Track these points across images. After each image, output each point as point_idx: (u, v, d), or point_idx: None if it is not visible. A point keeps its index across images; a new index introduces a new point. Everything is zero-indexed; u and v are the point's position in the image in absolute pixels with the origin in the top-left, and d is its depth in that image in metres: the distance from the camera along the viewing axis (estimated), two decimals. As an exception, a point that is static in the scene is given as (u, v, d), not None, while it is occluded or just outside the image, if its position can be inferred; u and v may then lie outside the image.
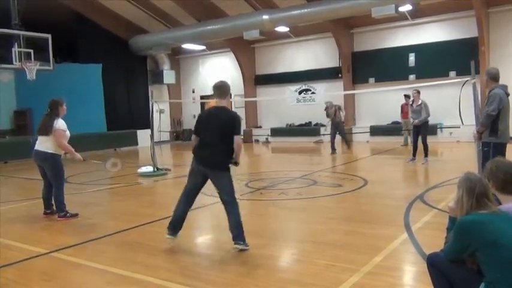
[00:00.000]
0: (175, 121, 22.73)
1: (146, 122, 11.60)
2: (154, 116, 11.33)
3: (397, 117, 15.71)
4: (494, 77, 5.82)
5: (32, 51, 12.89)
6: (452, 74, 14.95)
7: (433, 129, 15.61)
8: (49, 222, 6.22)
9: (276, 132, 19.36)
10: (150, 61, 21.20)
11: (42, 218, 6.42)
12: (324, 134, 18.02)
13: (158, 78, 20.90)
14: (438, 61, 15.50)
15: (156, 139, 11.61)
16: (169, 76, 21.01)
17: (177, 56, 22.21)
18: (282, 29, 16.74)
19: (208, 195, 7.73)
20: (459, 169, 8.06)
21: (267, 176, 9.69)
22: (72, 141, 6.43)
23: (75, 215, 6.34)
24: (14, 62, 12.70)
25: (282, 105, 19.83)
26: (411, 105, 10.69)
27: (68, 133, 6.27)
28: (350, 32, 17.67)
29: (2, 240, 5.31)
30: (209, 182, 4.85)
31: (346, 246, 4.58)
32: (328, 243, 4.71)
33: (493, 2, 14.54)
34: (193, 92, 22.54)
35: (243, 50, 19.87)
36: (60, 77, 14.74)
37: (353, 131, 17.57)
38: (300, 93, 19.26)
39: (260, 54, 20.45)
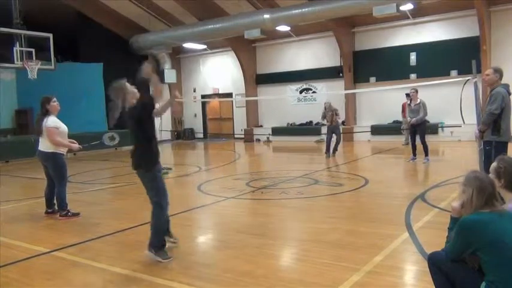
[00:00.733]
0: (176, 120, 22.74)
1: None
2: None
3: (398, 116, 15.71)
4: (501, 76, 5.83)
5: (33, 50, 12.93)
6: (453, 73, 14.93)
7: (434, 129, 15.65)
8: (50, 222, 6.24)
9: (277, 131, 19.35)
10: (151, 60, 21.17)
11: (43, 217, 6.44)
12: (325, 134, 18.00)
13: (159, 77, 20.85)
14: (439, 60, 15.48)
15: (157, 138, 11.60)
16: (170, 75, 21.01)
17: (178, 55, 22.21)
18: (283, 28, 16.72)
19: (209, 194, 7.76)
20: (460, 168, 8.08)
21: (267, 175, 9.69)
22: (73, 139, 6.45)
23: (77, 214, 6.35)
24: (16, 61, 12.73)
25: (283, 104, 19.82)
26: (409, 104, 10.68)
27: (62, 129, 6.23)
28: (351, 31, 17.65)
29: (3, 239, 5.32)
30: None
31: (347, 245, 4.58)
32: (329, 242, 4.72)
33: (494, 1, 14.51)
34: (194, 91, 22.55)
35: (244, 49, 19.86)
36: (61, 76, 14.77)
37: (354, 130, 17.56)
38: (301, 92, 19.25)
39: (261, 54, 20.44)
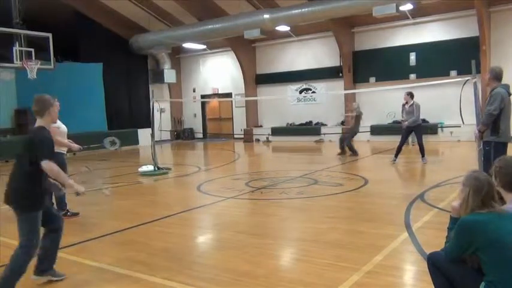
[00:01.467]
0: (176, 120, 22.74)
1: (147, 121, 11.62)
2: (154, 115, 11.34)
3: (398, 116, 15.70)
4: (497, 76, 5.81)
5: (33, 50, 12.91)
6: (453, 73, 14.93)
7: (433, 129, 15.67)
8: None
9: (276, 131, 19.35)
10: (151, 60, 21.20)
11: (43, 217, 6.43)
12: (324, 134, 18.03)
13: (159, 77, 20.91)
14: (439, 60, 15.49)
15: (156, 138, 11.62)
16: (170, 75, 21.01)
17: (177, 55, 22.20)
18: (283, 28, 16.72)
19: (208, 194, 7.76)
20: (460, 168, 8.09)
21: (267, 176, 9.69)
22: (72, 140, 6.44)
23: (76, 214, 6.36)
24: (15, 61, 12.71)
25: (282, 104, 19.82)
26: (404, 106, 10.67)
27: (62, 129, 6.25)
28: (351, 31, 17.65)
29: (3, 239, 5.32)
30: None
31: (347, 245, 4.58)
32: (328, 242, 4.72)
33: (494, 1, 14.51)
34: (194, 91, 22.55)
35: (243, 49, 19.86)
36: (61, 76, 14.75)
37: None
38: (300, 92, 19.25)
39: (261, 54, 20.44)
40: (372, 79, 17.27)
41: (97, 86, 17.49)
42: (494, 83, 5.81)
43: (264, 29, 16.26)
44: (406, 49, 16.51)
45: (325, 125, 18.52)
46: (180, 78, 22.49)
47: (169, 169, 11.06)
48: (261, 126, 20.45)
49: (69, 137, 6.47)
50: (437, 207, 5.96)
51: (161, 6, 18.44)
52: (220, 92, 21.66)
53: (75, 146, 6.42)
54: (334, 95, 18.06)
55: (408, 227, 5.11)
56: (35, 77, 12.86)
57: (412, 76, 16.21)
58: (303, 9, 15.08)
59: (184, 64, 22.82)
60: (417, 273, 3.80)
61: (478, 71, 12.00)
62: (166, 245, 4.87)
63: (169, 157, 15.80)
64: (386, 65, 16.71)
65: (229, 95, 21.21)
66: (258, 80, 20.42)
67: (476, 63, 6.97)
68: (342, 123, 18.04)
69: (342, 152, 12.89)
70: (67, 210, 6.31)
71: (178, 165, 12.76)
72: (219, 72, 21.66)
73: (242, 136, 20.05)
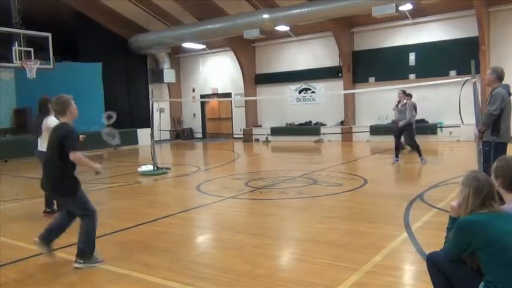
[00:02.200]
0: (176, 120, 22.74)
1: (146, 121, 11.61)
2: (154, 114, 11.34)
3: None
4: (499, 76, 5.83)
5: (32, 49, 12.90)
6: (452, 73, 14.94)
7: (433, 129, 15.69)
8: (50, 221, 6.21)
9: (276, 131, 19.36)
10: (150, 60, 21.20)
11: (42, 216, 6.43)
12: (324, 134, 18.04)
13: (158, 77, 20.90)
14: (438, 60, 15.50)
15: (156, 138, 11.62)
16: (169, 75, 21.01)
17: (177, 54, 22.20)
18: (282, 28, 16.73)
19: (208, 194, 7.76)
20: (459, 169, 8.09)
21: (267, 175, 9.70)
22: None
23: (76, 214, 6.34)
24: (14, 61, 12.71)
25: (282, 104, 19.83)
26: (396, 105, 10.63)
27: None
28: (350, 31, 17.65)
29: (2, 239, 5.32)
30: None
31: (346, 245, 4.59)
32: (328, 242, 4.72)
33: (493, 1, 14.52)
34: (194, 91, 22.54)
35: (243, 49, 19.85)
36: (60, 75, 14.74)
37: (353, 130, 17.58)
38: (300, 92, 19.25)
39: (260, 53, 20.44)
40: (372, 79, 17.28)
41: (96, 86, 17.46)
42: (496, 83, 5.81)
43: (263, 29, 16.27)
44: (406, 49, 16.52)
45: (325, 125, 18.53)
46: (179, 78, 22.49)
47: (169, 169, 11.06)
48: (260, 126, 20.45)
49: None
50: (437, 207, 5.96)
51: (161, 6, 18.42)
52: (219, 91, 21.66)
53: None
54: (334, 95, 18.08)
55: (408, 227, 5.12)
56: (34, 76, 12.85)
57: (412, 76, 16.22)
58: (302, 9, 15.08)
59: (183, 64, 22.81)
60: (416, 273, 3.81)
61: (478, 71, 12.02)
62: (166, 245, 4.87)
63: (169, 157, 15.80)
64: (386, 65, 16.72)
65: (228, 94, 21.21)
66: (257, 79, 20.42)
67: (476, 63, 7.00)
68: (342, 123, 18.06)
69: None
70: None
71: (177, 165, 12.76)
72: (218, 72, 21.66)
73: (241, 136, 20.05)
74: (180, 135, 22.39)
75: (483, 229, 2.55)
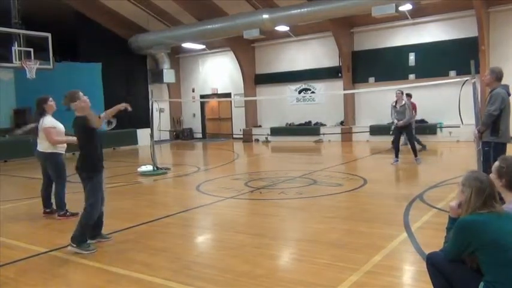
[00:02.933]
0: (175, 120, 22.73)
1: (146, 121, 11.60)
2: (154, 115, 11.33)
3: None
4: (498, 77, 5.83)
5: (31, 50, 12.89)
6: (452, 73, 14.94)
7: (433, 129, 15.69)
8: (49, 221, 6.23)
9: (275, 131, 19.35)
10: (150, 60, 21.19)
11: (42, 217, 6.43)
12: (323, 134, 18.04)
13: (158, 77, 20.89)
14: (438, 60, 15.49)
15: (155, 138, 11.62)
16: (169, 75, 21.00)
17: (176, 55, 22.19)
18: (282, 28, 16.73)
19: (207, 194, 7.76)
20: (459, 169, 8.10)
21: (266, 176, 9.70)
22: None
23: (75, 214, 6.33)
24: (14, 61, 12.70)
25: (281, 104, 19.83)
26: (394, 106, 10.60)
27: (59, 128, 6.23)
28: (350, 31, 17.66)
29: (2, 239, 5.32)
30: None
31: (346, 245, 4.59)
32: (328, 242, 4.72)
33: (493, 2, 14.53)
34: (193, 91, 22.54)
35: (243, 49, 19.85)
36: (60, 75, 14.71)
37: (353, 131, 17.58)
38: (299, 92, 19.25)
39: (260, 54, 20.44)
40: (371, 79, 17.28)
41: (96, 86, 17.41)
42: (495, 83, 5.82)
43: (263, 29, 16.26)
44: (406, 49, 16.52)
45: (325, 125, 18.53)
46: (179, 78, 22.48)
47: (169, 169, 11.06)
48: (260, 126, 20.45)
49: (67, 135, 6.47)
50: (437, 208, 5.96)
51: (160, 6, 18.42)
52: (219, 92, 21.66)
53: (74, 139, 6.42)
54: (334, 95, 18.08)
55: (407, 227, 5.12)
56: (34, 76, 12.84)
57: (411, 76, 16.23)
58: (302, 9, 15.08)
59: (183, 64, 22.81)
60: (416, 273, 3.81)
61: (477, 71, 12.01)
62: (165, 245, 4.87)
63: (169, 157, 15.80)
64: (386, 65, 16.72)
65: (228, 95, 21.21)
66: (257, 80, 20.42)
67: (476, 63, 7.00)
68: (341, 123, 18.07)
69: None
70: (66, 210, 6.31)
71: (177, 165, 12.76)
72: (218, 72, 21.66)
73: (241, 136, 20.05)
74: (180, 135, 22.38)
75: (483, 229, 2.55)
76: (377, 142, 16.08)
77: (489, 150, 5.66)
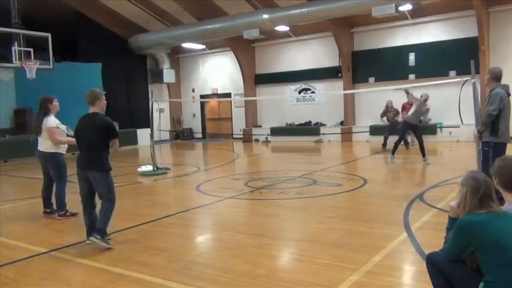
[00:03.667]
0: (175, 120, 22.73)
1: (146, 121, 11.61)
2: (154, 115, 11.33)
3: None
4: (495, 77, 5.82)
5: (31, 50, 12.89)
6: (452, 73, 14.94)
7: (433, 129, 15.69)
8: (49, 221, 6.23)
9: (275, 131, 19.35)
10: (150, 60, 21.19)
11: (42, 217, 6.43)
12: (323, 134, 18.04)
13: (158, 77, 20.89)
14: (438, 60, 15.50)
15: (155, 138, 11.62)
16: (169, 75, 21.00)
17: (176, 55, 22.19)
18: (282, 28, 16.73)
19: (207, 194, 7.76)
20: (459, 169, 8.10)
21: (266, 176, 9.70)
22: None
23: (75, 214, 6.34)
24: (14, 61, 12.70)
25: (281, 104, 19.83)
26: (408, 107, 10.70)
27: (62, 128, 6.26)
28: (350, 31, 17.66)
29: (2, 239, 5.32)
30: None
31: (346, 245, 4.59)
32: (328, 242, 4.72)
33: (493, 2, 14.53)
34: (193, 91, 22.54)
35: (243, 49, 19.85)
36: (60, 76, 14.73)
37: (353, 130, 17.59)
38: (299, 92, 19.25)
39: (260, 54, 20.44)
40: (371, 79, 17.29)
41: (96, 86, 17.35)
42: (493, 84, 5.82)
43: (263, 29, 16.26)
44: (405, 49, 16.52)
45: (325, 125, 18.53)
46: (179, 78, 22.48)
47: (169, 169, 11.05)
48: (260, 126, 20.45)
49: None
50: (437, 208, 5.96)
51: (160, 6, 18.42)
52: (219, 92, 21.66)
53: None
54: (334, 95, 18.08)
55: (407, 227, 5.12)
56: (34, 77, 12.85)
57: (411, 76, 16.23)
58: (302, 9, 15.08)
59: (183, 64, 22.81)
60: (416, 273, 3.81)
61: (477, 72, 12.02)
62: (165, 245, 4.87)
63: (169, 157, 15.80)
64: (386, 65, 16.72)
65: (228, 95, 21.21)
66: (257, 80, 20.42)
67: (476, 63, 7.00)
68: (341, 123, 18.07)
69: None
70: (66, 210, 6.31)
71: (177, 165, 12.76)
72: (218, 72, 21.66)
73: (241, 136, 20.05)
74: (180, 135, 22.38)
75: (482, 229, 2.55)
76: (377, 142, 16.04)
77: (488, 150, 5.65)
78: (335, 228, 5.29)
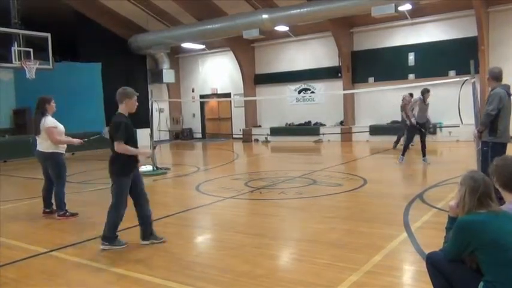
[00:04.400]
0: (175, 120, 22.73)
1: (145, 121, 11.60)
2: (153, 115, 11.33)
3: (397, 116, 15.70)
4: (495, 77, 5.82)
5: (31, 50, 12.90)
6: (451, 73, 14.96)
7: (432, 129, 15.68)
8: (49, 221, 6.23)
9: (275, 131, 19.35)
10: (150, 60, 21.18)
11: (41, 217, 6.43)
12: (323, 134, 18.03)
13: (158, 77, 20.88)
14: (438, 60, 15.50)
15: (155, 138, 11.61)
16: (168, 75, 21.00)
17: (176, 55, 22.19)
18: (282, 28, 16.73)
19: (207, 194, 7.76)
20: (458, 168, 8.10)
21: (266, 176, 9.70)
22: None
23: (75, 214, 6.35)
24: (14, 61, 12.71)
25: (281, 104, 19.83)
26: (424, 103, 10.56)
27: (59, 128, 6.26)
28: (349, 31, 17.66)
29: (1, 239, 5.32)
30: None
31: (346, 245, 4.59)
32: (327, 242, 4.72)
33: (492, 2, 14.54)
34: (193, 91, 22.54)
35: (242, 49, 19.85)
36: (59, 76, 14.73)
37: (352, 130, 17.59)
38: (299, 92, 19.26)
39: (260, 54, 20.44)
40: (371, 79, 17.29)
41: (96, 86, 17.44)
42: (493, 84, 5.82)
43: (262, 29, 16.27)
44: (405, 49, 16.53)
45: (324, 125, 18.54)
46: (179, 78, 22.48)
47: (168, 169, 11.05)
48: (259, 126, 20.45)
49: (67, 136, 6.48)
50: (436, 207, 5.97)
51: (160, 6, 18.42)
52: (219, 92, 21.66)
53: (76, 140, 6.45)
54: (333, 95, 18.08)
55: (407, 227, 5.12)
56: (34, 77, 12.85)
57: (411, 76, 16.23)
58: (301, 9, 15.09)
59: (183, 64, 22.81)
60: (416, 273, 3.81)
61: (477, 71, 12.02)
62: (165, 245, 4.87)
63: (168, 157, 15.80)
64: (385, 65, 16.73)
65: (228, 95, 21.21)
66: (256, 80, 20.42)
67: (475, 63, 7.00)
68: (341, 123, 18.07)
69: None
70: (66, 210, 6.31)
71: (177, 165, 12.76)
72: (218, 72, 21.66)
73: (241, 136, 20.04)
74: (180, 135, 22.39)
75: (482, 229, 2.55)
76: (377, 142, 16.09)
77: (488, 150, 5.66)
78: (335, 228, 5.29)
